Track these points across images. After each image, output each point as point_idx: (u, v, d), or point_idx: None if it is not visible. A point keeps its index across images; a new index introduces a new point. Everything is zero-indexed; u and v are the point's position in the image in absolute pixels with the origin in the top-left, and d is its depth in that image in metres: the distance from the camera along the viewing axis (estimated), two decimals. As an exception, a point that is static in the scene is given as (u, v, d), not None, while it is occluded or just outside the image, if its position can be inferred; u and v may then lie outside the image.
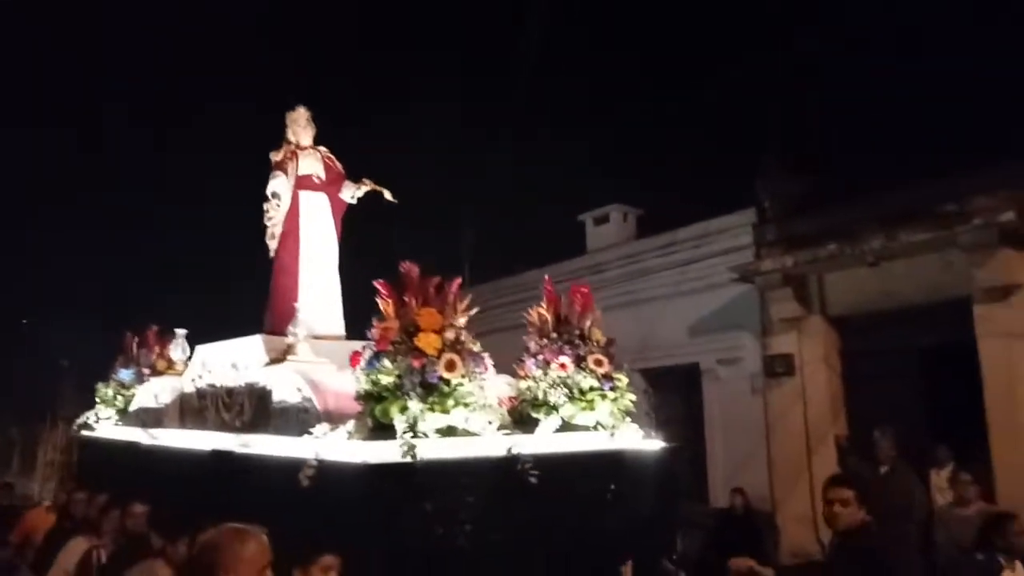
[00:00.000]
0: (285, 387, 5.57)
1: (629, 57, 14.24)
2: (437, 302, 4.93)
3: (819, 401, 11.62)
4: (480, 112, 13.74)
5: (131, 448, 7.19)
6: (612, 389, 5.27)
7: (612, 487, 5.06)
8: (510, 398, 5.39)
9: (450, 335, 4.86)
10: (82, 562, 5.74)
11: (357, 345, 6.04)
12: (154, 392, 7.41)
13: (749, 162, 12.12)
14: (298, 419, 5.38)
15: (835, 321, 11.76)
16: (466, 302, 5.01)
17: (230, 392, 6.29)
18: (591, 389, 5.22)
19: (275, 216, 6.69)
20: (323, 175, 6.87)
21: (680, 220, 12.41)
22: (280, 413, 5.58)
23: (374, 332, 4.88)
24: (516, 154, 13.60)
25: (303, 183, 6.77)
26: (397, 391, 4.71)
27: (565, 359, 5.23)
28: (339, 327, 6.73)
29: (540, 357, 5.29)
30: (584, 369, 5.24)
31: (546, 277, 5.65)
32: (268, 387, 5.80)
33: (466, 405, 4.78)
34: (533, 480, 4.65)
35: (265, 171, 6.94)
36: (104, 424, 8.28)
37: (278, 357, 5.81)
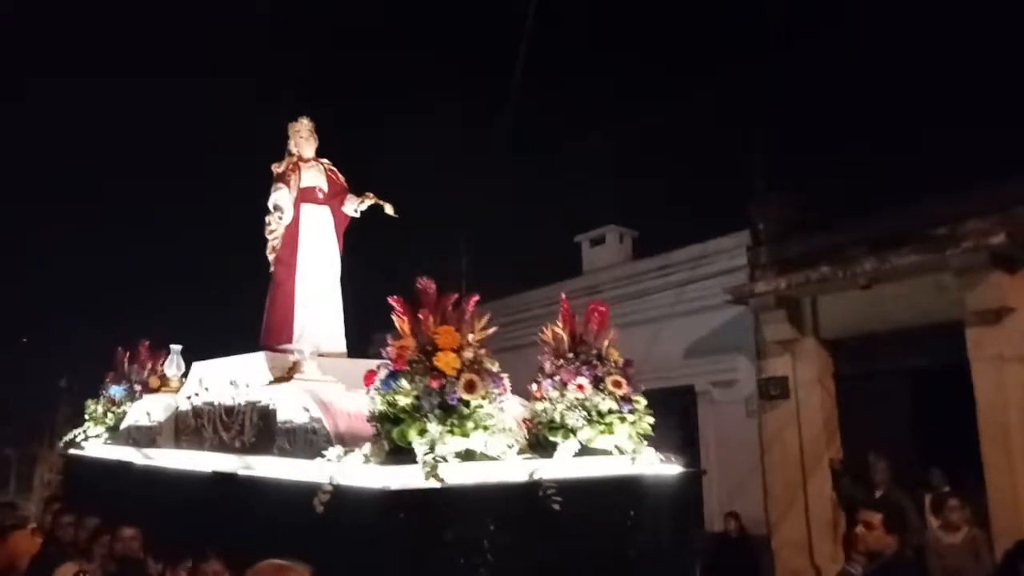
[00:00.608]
0: (291, 407, 5.33)
1: (626, 78, 14.13)
2: (454, 320, 4.71)
3: (813, 424, 11.50)
4: (477, 131, 13.55)
5: (123, 468, 6.89)
6: (631, 412, 5.05)
7: (633, 513, 4.83)
8: (524, 420, 5.17)
9: (468, 354, 4.65)
10: (71, 590, 5.42)
11: (362, 364, 5.84)
12: (147, 410, 7.11)
13: (744, 184, 12.03)
14: (306, 440, 5.14)
15: (828, 344, 11.68)
16: (484, 320, 4.79)
17: (229, 411, 6.03)
18: (609, 411, 5.01)
19: (276, 229, 6.45)
20: (326, 188, 6.65)
21: (676, 242, 12.29)
22: (285, 434, 5.33)
23: (389, 350, 4.64)
24: (513, 174, 13.42)
25: (305, 196, 6.55)
26: (415, 412, 4.48)
27: (583, 380, 5.02)
28: (341, 344, 6.49)
29: (557, 378, 5.06)
30: (602, 391, 5.02)
31: (562, 296, 5.44)
32: (272, 406, 5.55)
33: (485, 428, 4.55)
34: (556, 507, 4.43)
35: (263, 182, 6.70)
36: (93, 442, 7.96)
37: (283, 375, 5.55)
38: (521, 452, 4.74)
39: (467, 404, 4.52)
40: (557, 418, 5.01)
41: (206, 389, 6.38)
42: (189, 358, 7.06)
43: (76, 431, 8.30)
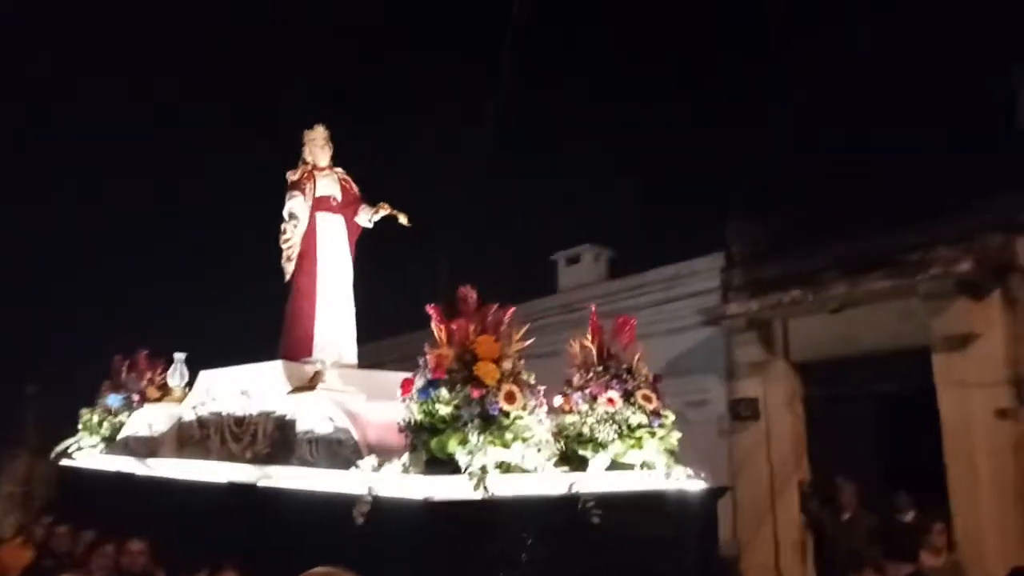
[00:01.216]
0: (313, 417, 5.16)
1: (606, 95, 14.13)
2: (493, 329, 4.61)
3: (783, 446, 11.50)
4: (454, 145, 13.42)
5: (124, 479, 6.60)
6: (660, 426, 4.99)
7: (667, 528, 4.76)
8: (552, 434, 5.06)
9: (508, 365, 4.54)
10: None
11: (380, 375, 5.72)
12: (148, 420, 6.84)
13: (720, 206, 12.09)
14: (330, 451, 4.98)
15: (798, 366, 11.69)
16: (523, 331, 4.69)
17: (239, 421, 5.83)
18: (639, 426, 4.93)
19: (292, 238, 6.27)
20: (340, 197, 6.51)
21: (651, 262, 12.28)
22: (307, 444, 5.15)
23: (428, 359, 4.52)
24: (489, 190, 13.33)
25: (320, 204, 6.40)
26: (455, 422, 4.36)
27: (613, 394, 4.94)
28: (354, 356, 6.32)
29: (587, 391, 4.98)
30: (632, 404, 4.95)
31: (592, 307, 5.36)
32: (290, 416, 5.36)
33: (524, 439, 4.45)
34: (596, 520, 4.34)
35: (271, 189, 6.54)
36: (88, 453, 7.63)
37: (303, 385, 5.37)
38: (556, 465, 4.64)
39: (507, 415, 4.41)
40: (586, 432, 4.92)
41: (213, 399, 6.16)
42: (192, 367, 6.81)
43: (68, 441, 7.95)
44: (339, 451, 4.90)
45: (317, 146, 6.52)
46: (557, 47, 14.38)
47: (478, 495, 4.09)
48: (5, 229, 14.66)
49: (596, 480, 4.65)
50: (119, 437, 7.27)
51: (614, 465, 4.84)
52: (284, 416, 5.42)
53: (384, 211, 6.51)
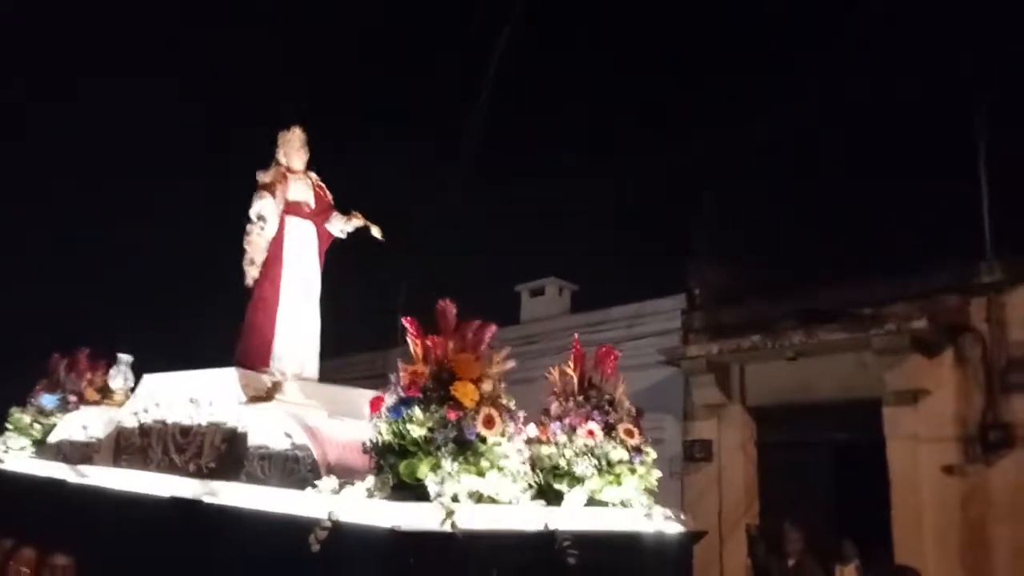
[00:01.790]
0: (267, 430, 4.65)
1: (576, 134, 13.90)
2: (473, 348, 4.17)
3: (734, 489, 11.28)
4: (426, 170, 13.04)
5: (52, 486, 5.97)
6: (641, 463, 4.57)
7: (644, 573, 4.33)
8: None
9: (487, 387, 4.10)
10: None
11: (345, 391, 5.23)
12: (83, 423, 6.23)
13: (684, 248, 11.89)
14: (285, 469, 4.48)
15: (753, 411, 11.55)
16: (504, 352, 4.26)
17: (185, 431, 5.27)
18: (619, 462, 4.51)
19: (257, 241, 5.76)
20: (312, 203, 6.02)
21: (614, 299, 11.99)
22: (257, 460, 4.64)
23: (401, 376, 4.05)
24: (458, 217, 12.96)
25: (291, 209, 5.90)
26: (428, 445, 3.89)
27: (594, 426, 4.51)
28: (315, 369, 5.80)
29: (566, 421, 4.54)
30: (614, 438, 4.52)
31: (575, 336, 4.94)
32: (241, 428, 4.84)
33: (500, 468, 4.00)
34: (572, 561, 3.89)
35: (233, 190, 6.04)
36: (15, 455, 6.96)
37: (259, 396, 4.86)
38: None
39: (484, 440, 3.97)
40: (563, 464, 4.48)
41: (157, 405, 5.59)
42: (138, 372, 6.21)
43: (-6, 442, 7.25)
44: (295, 469, 4.41)
45: (293, 148, 6.02)
46: (533, 80, 14.14)
47: (446, 526, 3.62)
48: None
49: (573, 517, 4.19)
50: (51, 440, 6.63)
51: (590, 501, 4.39)
52: (235, 428, 4.90)
53: (358, 221, 6.04)
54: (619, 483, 4.49)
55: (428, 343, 4.16)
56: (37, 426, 6.92)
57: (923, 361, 10.19)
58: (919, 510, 9.95)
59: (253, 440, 4.72)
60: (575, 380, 4.71)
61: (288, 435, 4.51)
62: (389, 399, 4.05)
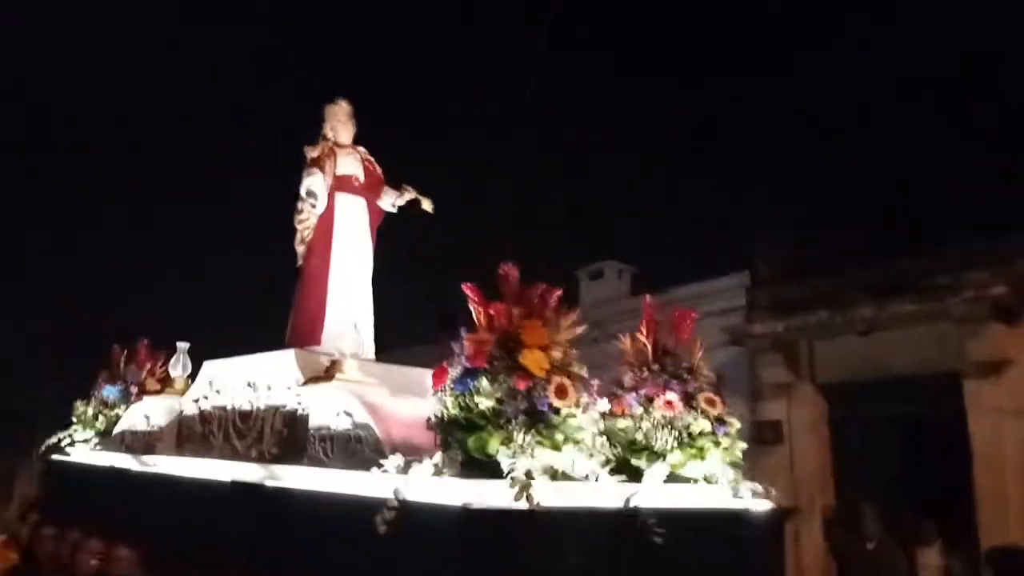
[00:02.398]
0: (327, 411, 4.36)
1: (632, 112, 13.45)
2: (539, 314, 3.82)
3: (807, 471, 10.74)
4: (479, 157, 12.71)
5: (118, 476, 5.78)
6: (725, 435, 4.17)
7: (733, 553, 3.94)
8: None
9: (557, 354, 3.75)
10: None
11: (403, 370, 4.92)
12: (146, 413, 6.02)
13: (747, 224, 11.39)
14: (347, 450, 4.18)
15: (824, 389, 10.97)
16: (573, 317, 3.90)
17: (245, 416, 5.02)
18: (701, 434, 4.11)
19: (308, 219, 5.48)
20: (362, 177, 5.70)
21: (674, 279, 11.52)
22: (319, 441, 4.35)
23: (465, 345, 3.72)
24: (515, 203, 12.62)
25: (341, 184, 5.59)
26: (497, 418, 3.56)
27: (672, 396, 4.13)
28: (371, 348, 5.50)
29: (641, 392, 4.16)
30: (694, 409, 4.13)
31: (647, 298, 4.56)
32: (302, 411, 4.56)
33: (576, 442, 3.64)
34: (658, 540, 3.52)
35: (277, 174, 5.76)
36: (80, 448, 6.81)
37: (318, 376, 4.57)
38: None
39: (557, 412, 3.62)
40: (640, 438, 4.10)
41: (217, 392, 5.35)
42: (197, 357, 5.98)
43: (61, 435, 7.11)
44: (358, 450, 4.11)
45: (339, 121, 5.71)
46: (585, 63, 13.74)
47: (523, 504, 3.27)
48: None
49: (654, 493, 3.81)
50: (115, 431, 6.45)
51: (671, 477, 4.00)
52: (295, 411, 4.63)
53: (409, 195, 5.71)
54: (702, 457, 4.10)
55: (491, 311, 3.83)
56: (101, 418, 6.77)
57: (1005, 330, 9.56)
58: (1004, 487, 9.33)
59: (314, 422, 4.44)
60: (649, 348, 4.32)
61: (349, 414, 4.22)
62: (453, 371, 3.73)
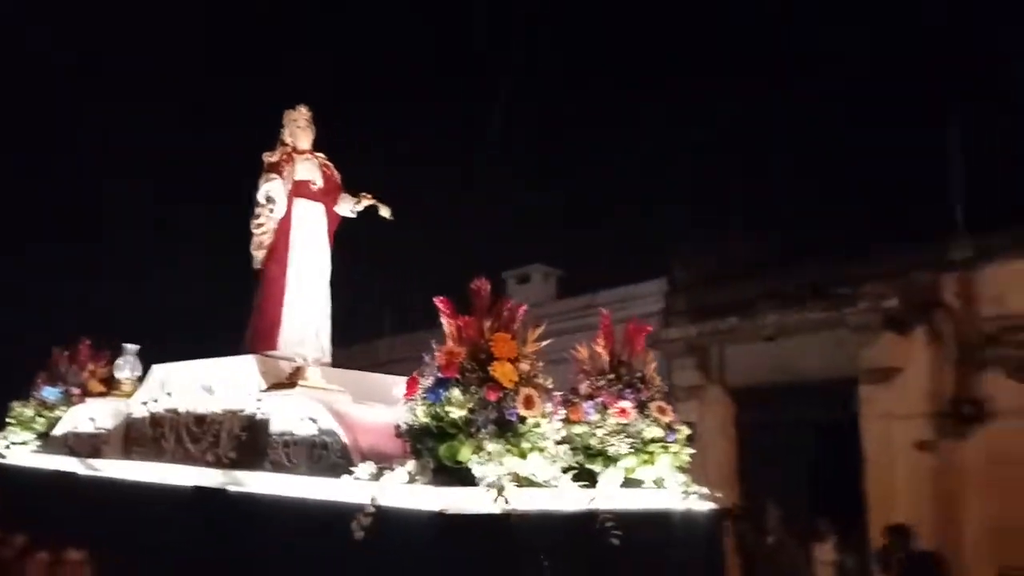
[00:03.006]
0: (291, 417, 4.36)
1: (559, 120, 13.58)
2: (509, 327, 3.91)
3: (716, 470, 11.03)
4: (411, 162, 12.63)
5: (62, 480, 5.60)
6: (674, 441, 4.35)
7: (683, 551, 4.13)
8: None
9: (525, 366, 3.85)
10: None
11: (367, 376, 4.95)
12: (90, 415, 5.86)
13: (667, 233, 11.70)
14: (311, 456, 4.19)
15: (733, 392, 11.35)
16: (539, 331, 4.01)
17: (199, 420, 4.96)
18: (653, 440, 4.28)
19: (266, 224, 5.43)
20: (320, 183, 5.67)
21: (598, 283, 11.74)
22: (282, 448, 4.35)
23: (438, 357, 3.79)
24: (443, 207, 12.61)
25: (299, 190, 5.55)
26: (468, 427, 3.64)
27: (626, 404, 4.28)
28: (328, 354, 5.49)
29: (598, 400, 4.30)
30: (647, 416, 4.30)
31: (603, 311, 4.70)
32: (261, 416, 4.54)
33: (541, 449, 3.76)
34: (615, 541, 3.67)
35: (236, 176, 5.69)
36: (18, 450, 6.54)
37: (281, 383, 4.56)
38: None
39: (524, 421, 3.72)
40: (596, 444, 4.25)
41: (168, 395, 5.26)
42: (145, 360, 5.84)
43: (-5, 436, 6.81)
44: (323, 456, 4.13)
45: (299, 127, 5.67)
46: (521, 72, 13.81)
47: (496, 509, 3.38)
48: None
49: (609, 497, 3.96)
50: (57, 433, 6.24)
51: (626, 481, 4.17)
52: (254, 416, 4.61)
53: (367, 201, 5.70)
54: (653, 462, 4.28)
55: (461, 323, 3.90)
56: (40, 419, 6.53)
57: (896, 338, 10.07)
58: (893, 486, 9.82)
59: (275, 427, 4.44)
60: (605, 358, 4.47)
61: (314, 420, 4.24)
62: (425, 381, 3.79)
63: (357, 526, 3.45)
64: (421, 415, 3.74)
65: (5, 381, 7.17)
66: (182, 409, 5.11)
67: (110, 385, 6.12)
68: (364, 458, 3.92)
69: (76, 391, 6.40)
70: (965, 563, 9.05)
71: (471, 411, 3.67)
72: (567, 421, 4.26)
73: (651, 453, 4.28)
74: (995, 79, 10.19)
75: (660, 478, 4.29)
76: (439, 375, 3.76)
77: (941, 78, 10.38)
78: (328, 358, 5.45)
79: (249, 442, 4.58)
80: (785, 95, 11.63)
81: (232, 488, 4.30)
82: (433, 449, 3.67)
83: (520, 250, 12.99)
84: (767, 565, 9.46)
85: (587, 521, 3.73)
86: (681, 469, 4.41)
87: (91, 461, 5.48)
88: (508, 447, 3.64)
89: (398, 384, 3.94)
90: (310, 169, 5.62)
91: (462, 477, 3.56)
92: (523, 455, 3.69)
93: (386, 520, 3.46)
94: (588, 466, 4.22)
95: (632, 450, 4.24)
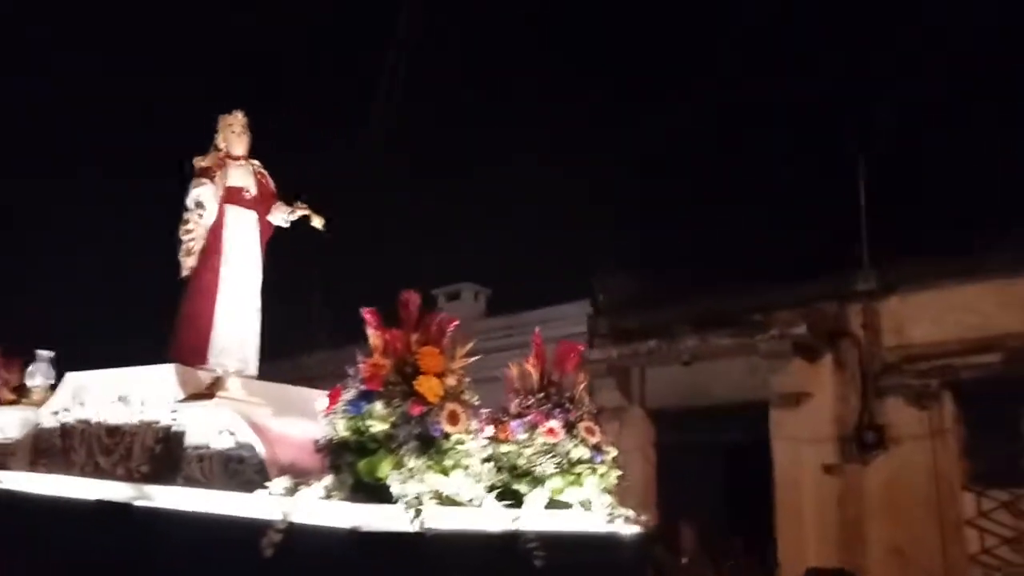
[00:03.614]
0: (207, 429, 3.96)
1: (497, 133, 13.28)
2: (437, 341, 3.61)
3: (634, 490, 10.74)
4: (339, 174, 12.14)
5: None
6: (601, 463, 4.07)
7: (603, 573, 3.84)
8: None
9: (451, 381, 3.55)
10: None
11: (288, 389, 4.57)
12: (-3, 424, 5.33)
13: (591, 254, 11.54)
14: (227, 470, 3.80)
15: (652, 414, 11.21)
16: (469, 346, 3.71)
17: (112, 431, 4.51)
18: (580, 461, 4.00)
19: (195, 230, 5.01)
20: (254, 191, 5.27)
21: (525, 303, 11.49)
22: (196, 461, 3.95)
23: (361, 369, 3.46)
24: (373, 221, 12.19)
25: (231, 196, 5.15)
26: (389, 442, 3.32)
27: (555, 424, 3.99)
28: (255, 366, 5.08)
29: (527, 419, 4.01)
30: (575, 437, 4.01)
31: (536, 329, 4.42)
32: (177, 428, 4.13)
33: (464, 467, 3.45)
34: (538, 563, 3.38)
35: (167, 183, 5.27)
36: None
37: (199, 393, 4.15)
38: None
39: (448, 437, 3.42)
40: (522, 464, 3.95)
41: (81, 404, 4.79)
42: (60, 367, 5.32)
43: None
44: (239, 471, 3.75)
45: (233, 132, 5.27)
46: (447, 85, 13.51)
47: (414, 527, 3.06)
48: None
49: (535, 518, 3.66)
50: (-41, 443, 5.67)
51: (552, 503, 3.87)
52: (169, 428, 4.19)
53: (301, 211, 5.33)
54: (580, 483, 3.98)
55: (388, 336, 3.58)
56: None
57: (805, 365, 10.13)
58: (800, 507, 9.83)
59: (191, 440, 4.03)
60: (535, 377, 4.18)
61: (231, 433, 3.85)
62: (347, 393, 3.46)
63: (267, 543, 3.09)
64: (341, 429, 3.41)
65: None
66: (94, 420, 4.65)
67: (21, 393, 5.57)
68: (282, 473, 3.56)
69: (-15, 399, 5.82)
70: (869, 583, 9.04)
71: (393, 425, 3.35)
72: (494, 440, 3.98)
73: (578, 474, 3.99)
74: (894, 113, 10.33)
75: (587, 500, 4.00)
76: (363, 387, 3.43)
77: (847, 114, 10.47)
78: (254, 370, 5.05)
79: (163, 455, 4.16)
80: (707, 122, 11.62)
81: (139, 503, 3.88)
82: (352, 464, 3.33)
83: (449, 267, 12.68)
84: (680, 584, 9.33)
85: (509, 542, 3.43)
86: (608, 491, 4.13)
87: (-5, 473, 4.97)
88: (430, 464, 3.33)
89: (322, 398, 3.61)
90: (244, 176, 5.23)
91: (381, 494, 3.23)
92: (445, 472, 3.38)
93: (298, 537, 3.12)
94: (514, 486, 3.91)
95: (559, 471, 3.95)
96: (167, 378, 4.33)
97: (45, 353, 5.44)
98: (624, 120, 12.37)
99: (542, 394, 4.10)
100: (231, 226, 5.08)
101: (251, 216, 5.21)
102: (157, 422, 4.26)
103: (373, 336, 3.56)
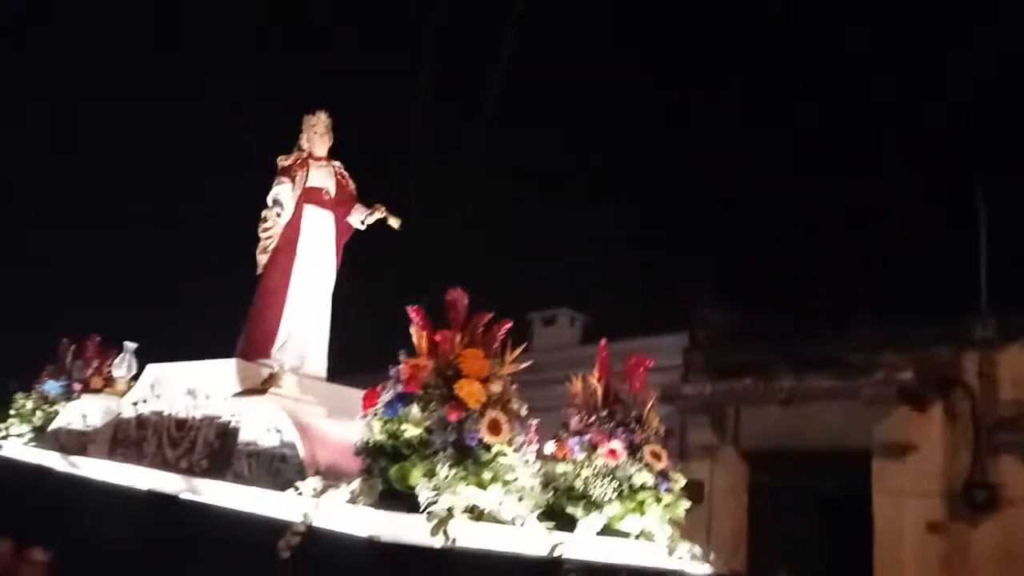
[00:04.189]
0: (258, 426, 3.64)
1: (602, 165, 12.75)
2: (484, 345, 3.15)
3: (723, 533, 9.95)
4: (439, 197, 11.86)
5: (39, 476, 4.94)
6: (667, 491, 3.48)
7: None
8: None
9: (496, 388, 3.09)
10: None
11: (347, 391, 4.19)
12: (83, 411, 5.21)
13: (691, 288, 10.84)
14: (271, 468, 3.47)
15: (746, 455, 10.31)
16: (518, 351, 3.24)
17: (181, 424, 4.27)
18: (643, 487, 3.41)
19: (273, 228, 4.78)
20: (333, 192, 5.01)
21: (622, 332, 10.87)
22: (246, 457, 3.62)
23: (401, 370, 3.04)
24: (473, 244, 11.85)
25: (310, 196, 4.91)
26: (423, 449, 2.87)
27: (616, 445, 3.44)
28: (322, 367, 4.77)
29: (586, 437, 3.47)
30: (638, 460, 3.44)
31: (603, 341, 3.88)
32: (235, 423, 3.83)
33: (505, 482, 2.96)
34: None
35: (261, 181, 5.05)
36: (13, 442, 5.91)
37: (255, 388, 3.84)
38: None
39: (488, 448, 2.94)
40: (579, 485, 3.40)
41: (157, 396, 4.59)
42: (145, 360, 5.14)
43: (-5, 426, 6.17)
44: (281, 470, 3.41)
45: (316, 133, 5.04)
46: (551, 111, 13.10)
47: (437, 542, 2.59)
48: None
49: (585, 545, 3.12)
50: (51, 428, 5.59)
51: (607, 530, 3.31)
52: (228, 423, 3.90)
53: (379, 214, 5.01)
54: (642, 511, 3.39)
55: (434, 337, 3.16)
56: (40, 413, 5.89)
57: (912, 414, 9.04)
58: (901, 566, 8.73)
59: (244, 436, 3.74)
60: (599, 392, 3.64)
61: (278, 431, 3.52)
62: (385, 394, 3.05)
63: (284, 545, 2.70)
64: (376, 432, 2.99)
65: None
66: (167, 412, 4.43)
67: (110, 383, 5.45)
68: (319, 474, 3.18)
69: (77, 386, 5.75)
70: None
71: (428, 431, 2.92)
72: (550, 457, 3.47)
73: (640, 502, 3.41)
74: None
75: (648, 531, 3.42)
76: (400, 389, 3.02)
77: (967, 151, 9.48)
78: (322, 371, 4.72)
79: (219, 451, 3.88)
80: (805, 160, 10.82)
81: (184, 496, 3.57)
82: (384, 470, 2.91)
83: (548, 292, 12.12)
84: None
85: (548, 569, 2.90)
86: (674, 523, 3.53)
87: (74, 459, 4.81)
88: (464, 475, 2.87)
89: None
90: (324, 176, 4.97)
91: (411, 503, 2.79)
92: (483, 485, 2.91)
93: (316, 541, 2.71)
94: (568, 509, 3.37)
95: (619, 496, 3.39)
96: (228, 372, 4.06)
97: (130, 344, 5.30)
98: (735, 154, 11.67)
99: (605, 412, 3.55)
100: (307, 226, 4.82)
101: (329, 217, 4.93)
102: (218, 417, 4.00)
103: (417, 336, 3.15)
